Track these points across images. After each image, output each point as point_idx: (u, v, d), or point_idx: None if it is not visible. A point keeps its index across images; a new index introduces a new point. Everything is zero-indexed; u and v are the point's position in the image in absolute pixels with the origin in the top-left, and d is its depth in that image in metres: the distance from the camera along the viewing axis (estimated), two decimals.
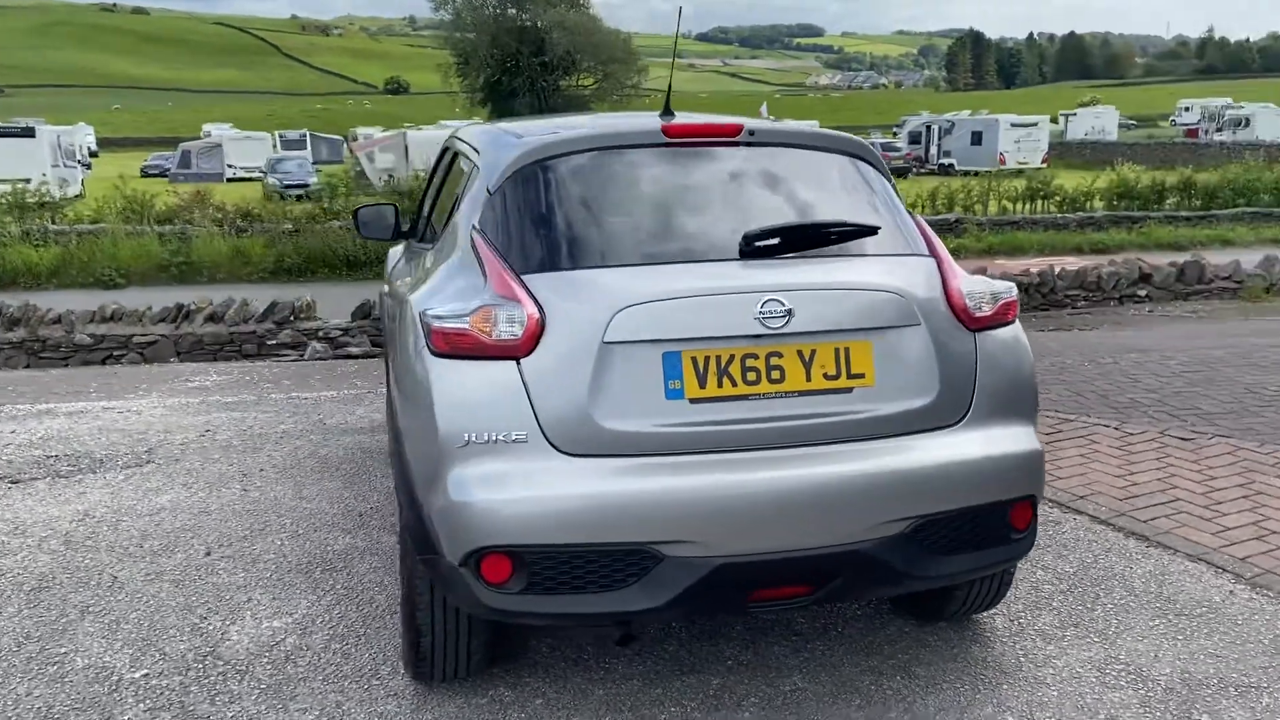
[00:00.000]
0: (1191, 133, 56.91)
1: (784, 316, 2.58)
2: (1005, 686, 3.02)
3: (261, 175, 36.69)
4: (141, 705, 2.95)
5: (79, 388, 7.34)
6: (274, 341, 9.41)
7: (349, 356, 9.01)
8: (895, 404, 2.68)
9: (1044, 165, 39.73)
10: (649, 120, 3.06)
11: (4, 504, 4.67)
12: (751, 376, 2.58)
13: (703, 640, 3.29)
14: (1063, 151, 47.86)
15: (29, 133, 31.86)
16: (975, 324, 2.83)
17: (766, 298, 2.59)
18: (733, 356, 2.58)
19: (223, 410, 6.45)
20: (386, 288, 4.71)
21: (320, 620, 3.47)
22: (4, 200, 17.72)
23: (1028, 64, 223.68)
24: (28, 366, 9.07)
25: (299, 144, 50.39)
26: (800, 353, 2.62)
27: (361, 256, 15.07)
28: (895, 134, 55.98)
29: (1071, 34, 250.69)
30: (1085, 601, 3.56)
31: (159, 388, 7.29)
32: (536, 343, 2.54)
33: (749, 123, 3.00)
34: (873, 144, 3.94)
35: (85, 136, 51.56)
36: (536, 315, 2.55)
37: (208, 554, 4.05)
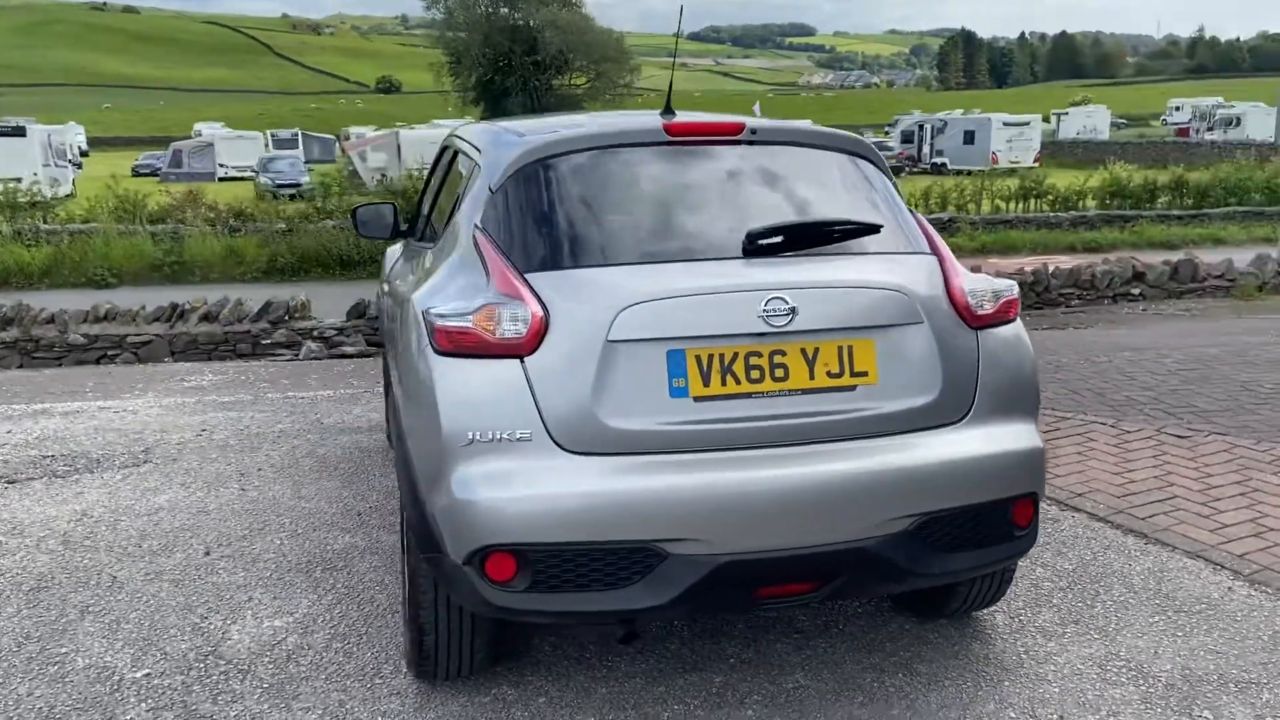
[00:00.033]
0: (1183, 132, 57.17)
1: (787, 315, 2.59)
2: (1007, 683, 3.03)
3: (253, 174, 36.59)
4: (144, 705, 2.94)
5: (74, 387, 7.32)
6: (269, 341, 9.39)
7: (344, 356, 8.99)
8: (898, 402, 2.68)
9: (1036, 164, 39.82)
10: (650, 119, 3.06)
11: (1, 504, 4.65)
12: (755, 374, 2.58)
13: (705, 638, 3.30)
14: (1055, 151, 48.04)
15: (19, 132, 31.85)
16: (977, 322, 2.84)
17: (770, 296, 2.59)
18: (736, 355, 2.58)
19: (219, 410, 6.44)
20: (385, 287, 4.69)
21: (321, 619, 3.47)
22: None
23: (1019, 63, 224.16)
24: (21, 366, 9.04)
25: (291, 143, 50.18)
26: (804, 351, 2.62)
27: (355, 256, 15.03)
28: (888, 133, 56.16)
29: (1063, 33, 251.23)
30: (1085, 598, 3.58)
31: (154, 387, 7.28)
32: (540, 341, 2.54)
33: (751, 121, 3.01)
34: None
35: (76, 136, 51.41)
36: (540, 314, 2.55)
37: (207, 553, 4.04)
